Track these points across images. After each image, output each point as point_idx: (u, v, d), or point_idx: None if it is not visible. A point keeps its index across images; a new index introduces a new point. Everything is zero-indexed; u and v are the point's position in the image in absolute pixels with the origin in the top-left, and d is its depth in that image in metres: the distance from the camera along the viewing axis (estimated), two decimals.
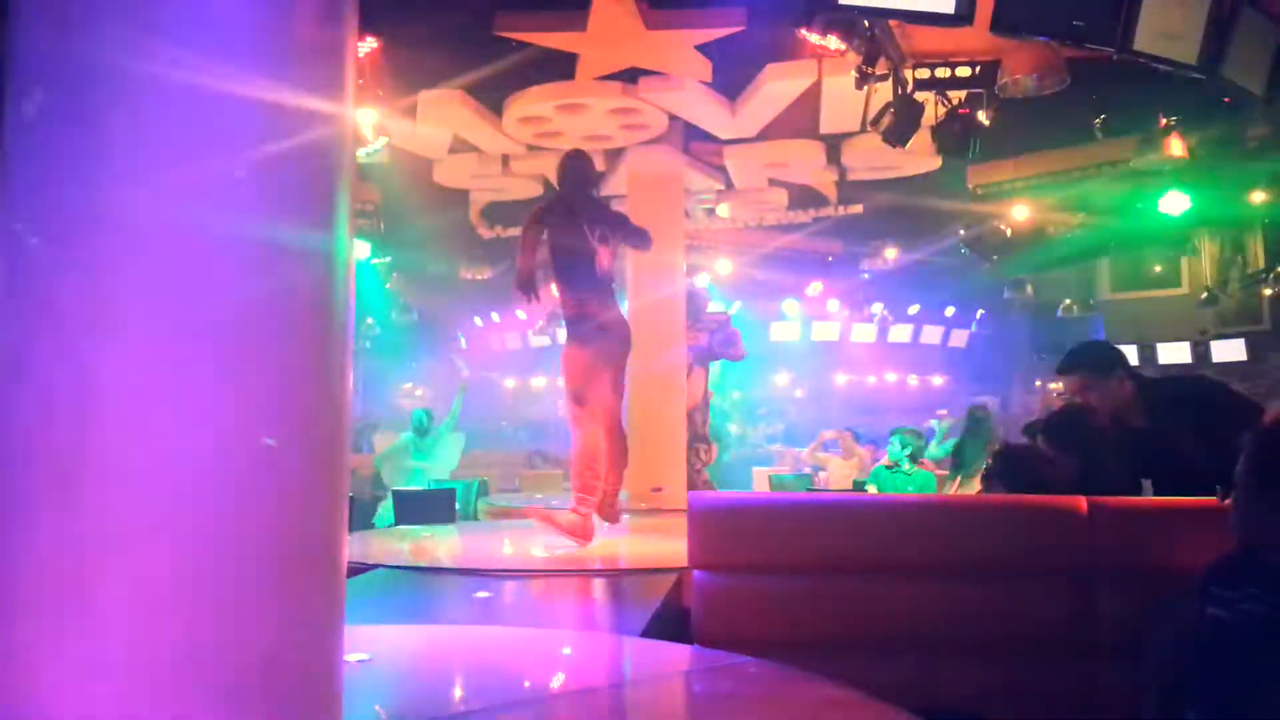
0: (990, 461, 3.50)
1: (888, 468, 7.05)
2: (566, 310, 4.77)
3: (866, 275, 14.28)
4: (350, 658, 1.98)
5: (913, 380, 18.97)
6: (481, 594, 3.42)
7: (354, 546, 4.39)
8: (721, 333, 8.28)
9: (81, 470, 1.16)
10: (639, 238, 4.94)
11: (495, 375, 18.55)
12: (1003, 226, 10.49)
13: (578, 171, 4.90)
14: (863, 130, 6.51)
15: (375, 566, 3.88)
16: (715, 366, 8.98)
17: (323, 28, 1.37)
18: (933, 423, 11.43)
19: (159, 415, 1.19)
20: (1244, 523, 1.97)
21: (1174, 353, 13.62)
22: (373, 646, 2.27)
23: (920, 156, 7.49)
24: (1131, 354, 13.90)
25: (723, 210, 9.76)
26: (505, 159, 8.37)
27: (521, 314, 16.60)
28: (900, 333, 17.96)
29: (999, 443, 5.09)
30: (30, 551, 1.18)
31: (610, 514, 4.89)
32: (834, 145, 8.00)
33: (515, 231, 10.46)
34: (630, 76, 6.71)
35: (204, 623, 1.20)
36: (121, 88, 1.21)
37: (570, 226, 4.65)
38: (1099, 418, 3.69)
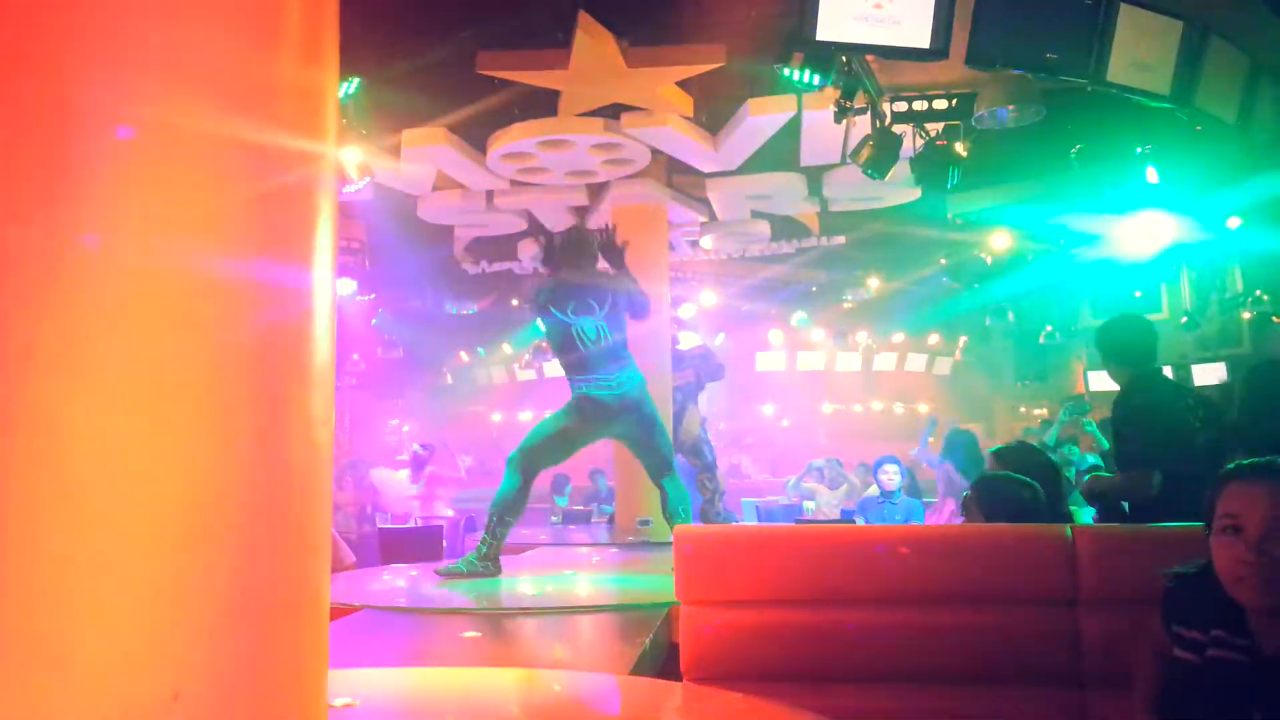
0: (969, 490, 3.52)
1: (879, 498, 7.04)
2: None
3: (850, 304, 14.34)
4: (335, 703, 1.96)
5: (898, 408, 19.03)
6: (470, 634, 3.39)
7: (338, 587, 4.36)
8: (705, 363, 8.29)
9: (49, 514, 1.15)
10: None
11: (482, 410, 18.51)
12: (983, 254, 10.56)
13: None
14: (843, 162, 6.57)
15: (361, 608, 3.84)
16: (704, 394, 8.97)
17: (305, 68, 1.38)
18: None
19: (133, 457, 1.18)
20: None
21: None
22: (359, 691, 2.24)
23: (901, 187, 7.55)
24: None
25: (706, 242, 9.81)
26: (489, 195, 8.41)
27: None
28: (885, 361, 18.04)
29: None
30: None
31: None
32: (815, 177, 8.07)
33: (499, 266, 10.54)
34: (612, 112, 6.76)
35: (181, 668, 1.18)
36: (99, 127, 1.21)
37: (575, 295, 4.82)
38: None
